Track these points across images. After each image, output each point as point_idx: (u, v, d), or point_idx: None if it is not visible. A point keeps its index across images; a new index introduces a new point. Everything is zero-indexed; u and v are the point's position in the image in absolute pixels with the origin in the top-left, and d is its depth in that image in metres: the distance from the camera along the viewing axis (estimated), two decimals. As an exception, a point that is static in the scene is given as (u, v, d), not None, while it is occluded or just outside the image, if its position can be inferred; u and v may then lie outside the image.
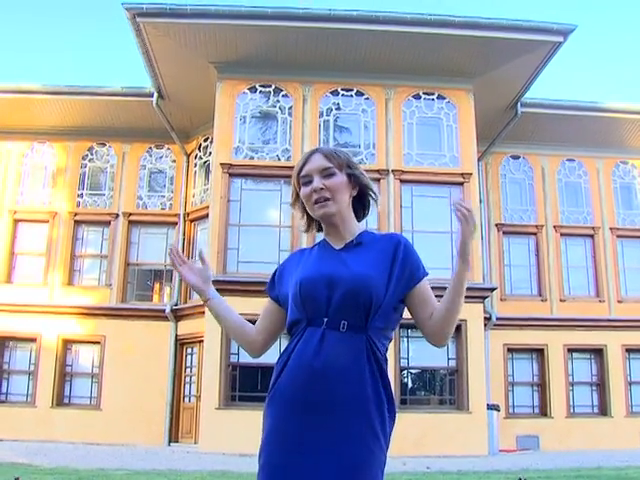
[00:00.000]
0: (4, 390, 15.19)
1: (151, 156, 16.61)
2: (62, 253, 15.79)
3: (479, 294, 13.30)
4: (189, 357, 15.08)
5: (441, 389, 13.71)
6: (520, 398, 15.38)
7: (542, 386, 15.42)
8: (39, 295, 15.33)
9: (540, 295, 15.97)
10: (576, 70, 41.77)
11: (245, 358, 12.38)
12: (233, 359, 12.69)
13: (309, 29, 13.01)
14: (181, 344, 15.09)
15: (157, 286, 16.30)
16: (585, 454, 12.50)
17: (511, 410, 15.10)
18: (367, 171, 2.02)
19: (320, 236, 2.02)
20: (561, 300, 15.86)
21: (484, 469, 9.55)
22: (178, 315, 15.02)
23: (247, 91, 14.16)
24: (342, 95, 14.27)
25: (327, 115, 14.19)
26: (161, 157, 16.63)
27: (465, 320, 12.71)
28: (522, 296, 15.93)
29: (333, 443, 1.68)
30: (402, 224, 13.52)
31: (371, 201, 2.01)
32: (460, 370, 13.00)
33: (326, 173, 1.90)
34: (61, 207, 16.13)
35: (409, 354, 13.33)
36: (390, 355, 11.59)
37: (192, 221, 15.90)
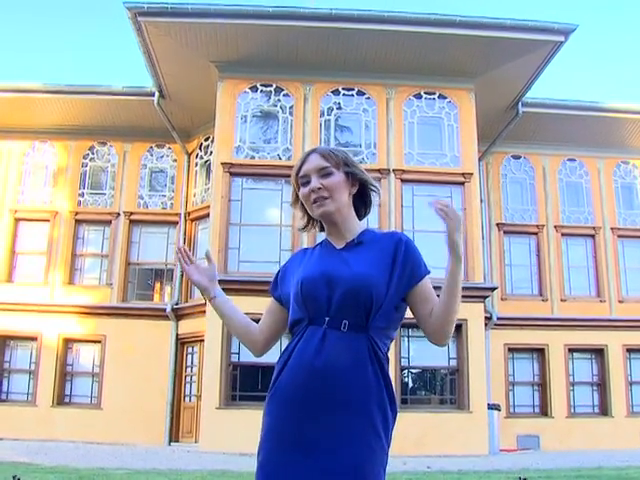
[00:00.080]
0: (5, 389, 15.20)
1: (152, 155, 16.62)
2: (63, 252, 15.79)
3: (480, 294, 13.29)
4: (190, 356, 15.08)
5: (442, 389, 13.71)
6: (521, 398, 15.38)
7: (543, 386, 15.41)
8: (40, 294, 15.34)
9: (541, 295, 15.97)
10: (577, 70, 41.77)
11: (246, 357, 12.38)
12: (234, 358, 12.69)
13: (310, 28, 13.00)
14: (182, 343, 15.10)
15: (158, 285, 16.30)
16: (585, 454, 12.50)
17: (512, 410, 15.10)
18: (368, 170, 2.02)
19: (322, 236, 2.02)
20: (562, 300, 15.86)
21: (484, 469, 9.55)
22: (179, 314, 15.03)
23: (248, 90, 14.16)
24: (343, 94, 14.26)
25: (328, 114, 14.19)
26: (162, 156, 16.64)
27: (466, 320, 12.71)
28: (523, 296, 15.92)
29: (334, 442, 1.67)
30: (403, 223, 13.51)
31: (373, 195, 2.01)
32: (461, 370, 13.00)
33: (323, 172, 1.91)
34: (62, 206, 16.14)
35: (410, 354, 13.33)
36: (391, 354, 11.59)
37: (193, 220, 15.90)
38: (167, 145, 16.45)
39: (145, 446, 13.51)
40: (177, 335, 15.02)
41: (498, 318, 14.93)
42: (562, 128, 15.88)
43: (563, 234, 16.38)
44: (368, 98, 14.27)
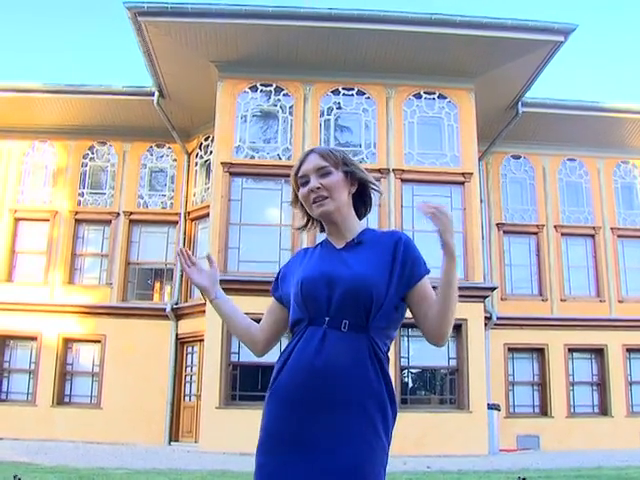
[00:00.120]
0: (5, 389, 15.20)
1: (152, 155, 16.62)
2: (63, 252, 15.79)
3: (480, 294, 13.28)
4: (189, 356, 15.09)
5: (441, 389, 13.71)
6: (520, 398, 15.38)
7: (542, 386, 15.42)
8: (40, 294, 15.34)
9: (541, 295, 15.97)
10: (577, 70, 41.77)
11: (245, 357, 12.39)
12: (234, 358, 12.69)
13: (310, 28, 13.00)
14: (181, 343, 15.10)
15: (157, 285, 16.30)
16: (585, 454, 12.50)
17: (511, 410, 15.10)
18: (367, 170, 2.02)
19: (322, 236, 2.02)
20: (562, 300, 15.86)
21: (484, 469, 9.55)
22: (178, 314, 15.03)
23: (248, 90, 14.16)
24: (343, 94, 14.26)
25: (328, 114, 14.19)
26: (162, 156, 16.63)
27: (465, 320, 12.70)
28: (523, 296, 15.92)
29: (334, 442, 1.67)
30: (403, 223, 13.51)
31: (373, 194, 2.01)
32: (460, 370, 13.00)
33: (322, 172, 1.91)
34: (62, 206, 16.14)
35: (409, 353, 13.33)
36: (391, 354, 11.57)
37: (193, 220, 15.90)
38: (167, 145, 16.45)
39: (145, 446, 13.51)
40: (177, 335, 15.02)
41: (498, 318, 14.93)
42: (562, 128, 15.88)
43: (563, 234, 16.38)
44: (368, 98, 14.27)
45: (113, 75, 41.55)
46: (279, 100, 14.19)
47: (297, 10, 12.98)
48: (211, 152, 15.24)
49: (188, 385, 14.95)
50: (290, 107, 14.13)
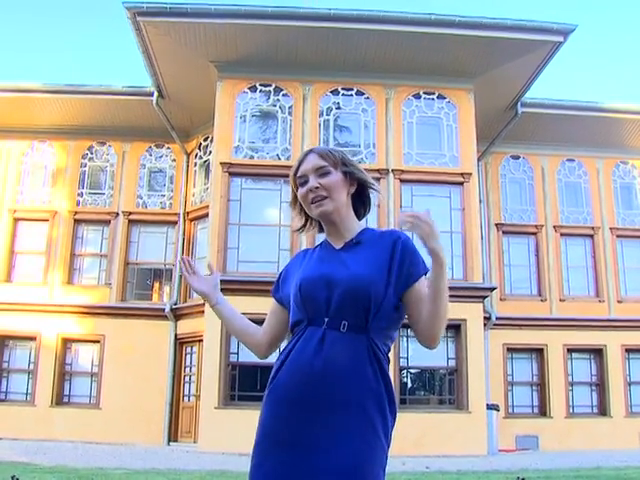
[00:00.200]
0: (4, 389, 15.19)
1: (151, 155, 16.61)
2: (62, 252, 15.78)
3: (479, 294, 13.28)
4: (188, 356, 15.07)
5: (440, 389, 13.71)
6: (519, 398, 15.38)
7: (541, 386, 15.42)
8: (39, 294, 15.33)
9: (540, 295, 15.97)
10: (576, 70, 41.79)
11: (244, 357, 12.39)
12: (233, 358, 12.69)
13: (309, 28, 13.00)
14: (180, 343, 15.09)
15: (157, 285, 16.29)
16: (584, 454, 12.50)
17: (510, 410, 15.10)
18: (367, 170, 2.02)
19: (321, 237, 2.02)
20: (561, 300, 15.86)
21: (483, 469, 9.55)
22: (177, 314, 15.02)
23: (247, 90, 14.16)
24: (342, 94, 14.26)
25: (327, 114, 14.18)
26: (161, 156, 16.63)
27: (465, 320, 12.70)
28: (522, 296, 15.93)
29: (333, 442, 1.67)
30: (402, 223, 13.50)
31: (373, 195, 2.01)
32: (460, 370, 13.00)
33: (321, 172, 1.91)
34: (61, 206, 16.13)
35: (409, 354, 13.32)
36: (390, 355, 11.60)
37: (192, 220, 15.89)
38: (166, 145, 16.45)
39: (144, 446, 13.50)
40: (176, 335, 15.01)
41: (497, 318, 14.94)
42: (561, 128, 15.88)
43: (562, 234, 16.39)
44: (367, 98, 14.27)
45: (113, 75, 41.58)
46: (278, 100, 14.19)
47: (296, 10, 12.99)
48: (210, 152, 15.24)
49: (187, 385, 14.94)
50: (289, 107, 14.13)
